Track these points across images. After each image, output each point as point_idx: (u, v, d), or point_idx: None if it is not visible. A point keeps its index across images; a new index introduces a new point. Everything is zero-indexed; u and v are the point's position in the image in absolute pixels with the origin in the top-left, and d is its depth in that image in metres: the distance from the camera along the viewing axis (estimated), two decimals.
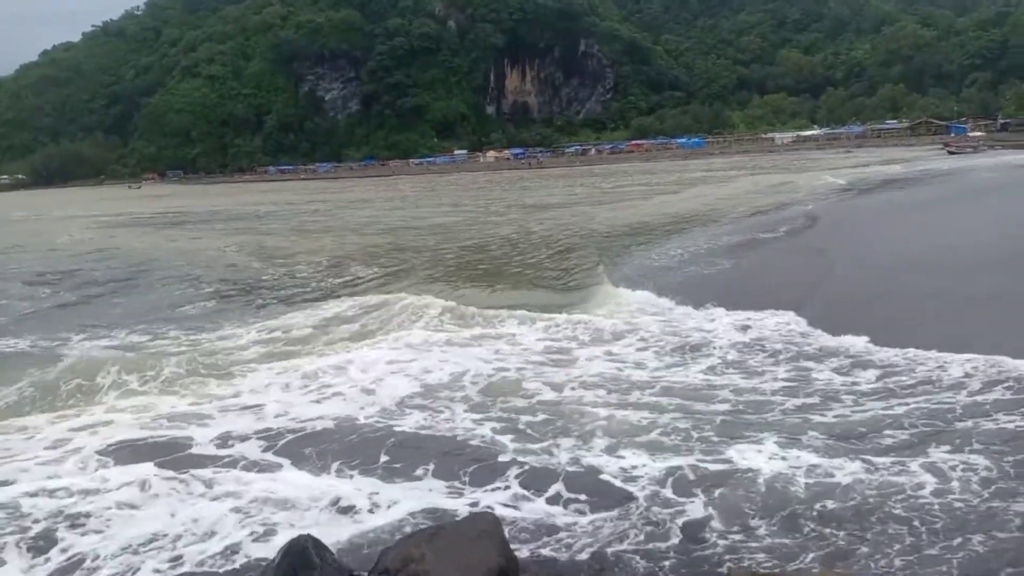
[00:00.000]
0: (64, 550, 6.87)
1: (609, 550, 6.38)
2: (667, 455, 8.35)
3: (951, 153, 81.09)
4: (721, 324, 14.05)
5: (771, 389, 10.36)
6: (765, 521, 6.70)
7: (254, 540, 6.87)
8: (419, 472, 8.26)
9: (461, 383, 11.35)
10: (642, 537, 6.61)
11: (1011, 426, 8.43)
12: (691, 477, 7.75)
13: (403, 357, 12.82)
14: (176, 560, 6.62)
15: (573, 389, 10.75)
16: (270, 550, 6.28)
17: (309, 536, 5.86)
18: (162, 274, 25.61)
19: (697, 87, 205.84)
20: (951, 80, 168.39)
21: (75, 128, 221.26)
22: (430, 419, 9.90)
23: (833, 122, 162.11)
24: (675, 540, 6.51)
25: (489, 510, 6.48)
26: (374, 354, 13.06)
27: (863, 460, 7.91)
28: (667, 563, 6.12)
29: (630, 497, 7.41)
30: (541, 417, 9.77)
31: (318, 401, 10.88)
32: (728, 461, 8.08)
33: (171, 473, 8.36)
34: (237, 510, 7.48)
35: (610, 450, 8.58)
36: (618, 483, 7.75)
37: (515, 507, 7.33)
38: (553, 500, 7.44)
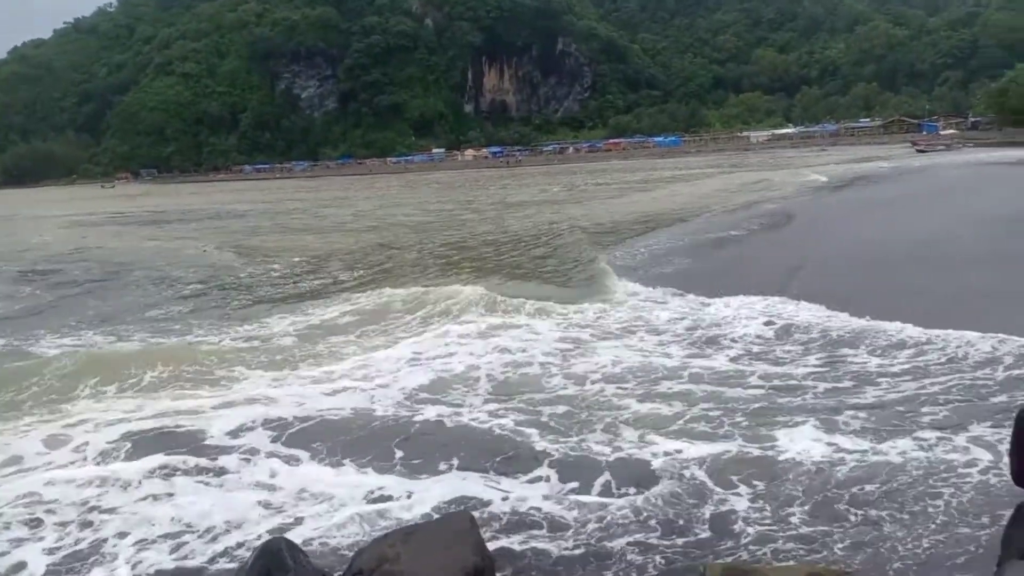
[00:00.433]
0: (83, 541, 6.87)
1: (615, 542, 6.33)
2: (700, 441, 8.40)
3: (920, 152, 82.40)
4: (733, 312, 14.21)
5: (801, 374, 10.50)
6: (799, 507, 6.72)
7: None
8: (448, 464, 8.22)
9: (478, 375, 11.32)
10: (656, 526, 6.60)
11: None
12: (725, 462, 7.81)
13: (427, 350, 12.79)
14: (194, 553, 6.59)
15: (595, 381, 10.72)
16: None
17: (283, 538, 5.80)
18: (141, 274, 25.07)
19: (674, 86, 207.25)
20: (923, 79, 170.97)
21: (46, 127, 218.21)
22: (451, 411, 9.87)
23: (808, 120, 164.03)
24: (699, 530, 6.46)
25: (466, 511, 6.36)
26: (397, 351, 12.91)
27: (913, 439, 8.02)
28: (673, 553, 6.08)
29: (655, 483, 7.44)
30: (567, 408, 9.72)
31: (338, 393, 10.78)
32: (765, 445, 8.15)
33: (193, 463, 8.36)
34: (266, 504, 7.46)
35: (641, 438, 8.59)
36: (649, 470, 7.77)
37: (527, 497, 7.31)
38: (580, 489, 7.43)
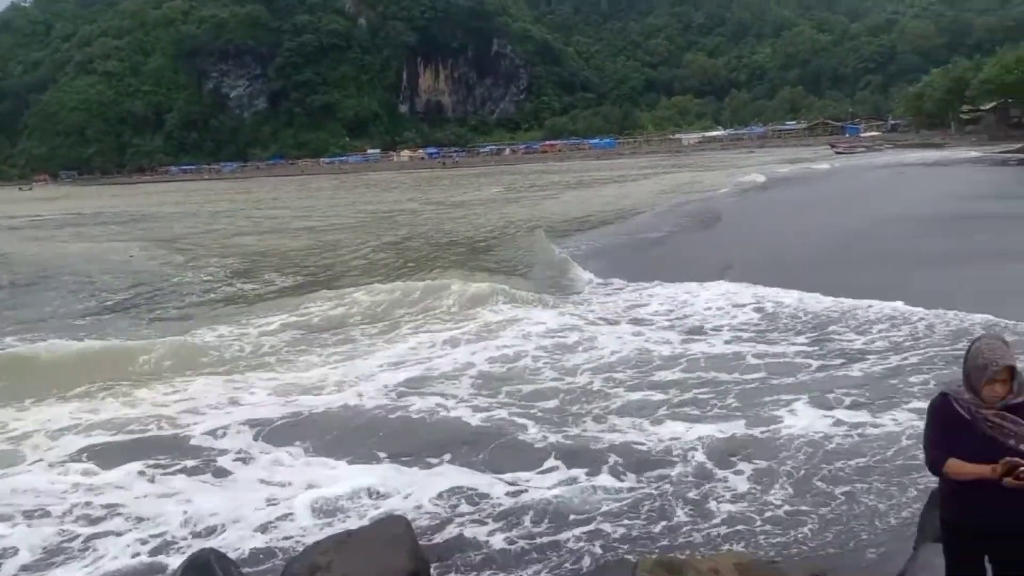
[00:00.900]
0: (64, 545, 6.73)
1: (562, 534, 6.36)
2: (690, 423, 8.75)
3: (838, 153, 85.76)
4: (704, 298, 15.22)
5: (794, 351, 11.29)
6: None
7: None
8: (446, 458, 8.22)
9: (468, 372, 11.33)
10: (625, 513, 6.68)
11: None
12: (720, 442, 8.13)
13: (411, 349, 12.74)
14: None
15: (584, 372, 10.99)
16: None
17: (212, 549, 5.63)
18: (63, 281, 23.82)
19: (608, 88, 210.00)
20: (846, 83, 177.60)
21: None
22: (441, 407, 9.85)
23: (737, 123, 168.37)
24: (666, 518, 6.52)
25: (400, 515, 6.28)
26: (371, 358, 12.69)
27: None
28: (632, 545, 6.10)
29: (653, 466, 7.63)
30: (562, 399, 9.90)
31: (326, 393, 10.63)
32: (762, 423, 8.55)
33: (180, 466, 8.19)
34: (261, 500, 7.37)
35: (634, 424, 8.83)
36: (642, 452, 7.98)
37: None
38: (563, 481, 7.49)
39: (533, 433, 8.78)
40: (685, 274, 17.32)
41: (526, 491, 7.23)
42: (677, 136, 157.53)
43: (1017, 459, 3.32)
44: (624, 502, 6.83)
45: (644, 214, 33.74)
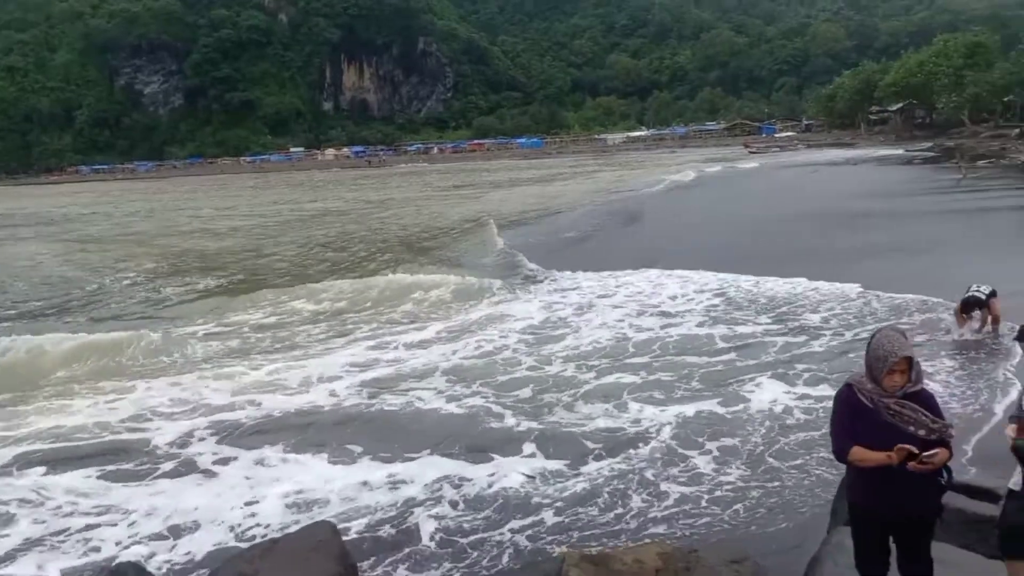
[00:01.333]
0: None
1: (492, 532, 6.40)
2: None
3: (752, 153, 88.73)
4: (654, 282, 16.69)
5: (762, 331, 12.31)
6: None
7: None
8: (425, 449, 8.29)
9: (440, 366, 11.47)
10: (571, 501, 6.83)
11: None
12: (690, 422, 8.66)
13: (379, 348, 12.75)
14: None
15: (556, 360, 11.44)
16: None
17: (131, 563, 5.58)
18: None
19: (534, 88, 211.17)
20: (762, 84, 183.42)
21: None
22: (413, 402, 9.93)
23: (659, 123, 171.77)
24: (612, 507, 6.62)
25: (327, 520, 6.21)
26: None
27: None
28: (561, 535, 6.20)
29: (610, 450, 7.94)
30: (533, 388, 10.20)
31: (296, 394, 10.53)
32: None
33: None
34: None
35: (604, 410, 9.19)
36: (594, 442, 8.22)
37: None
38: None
39: (505, 422, 8.97)
40: (634, 263, 18.68)
41: (479, 483, 7.31)
42: (603, 136, 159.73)
43: (909, 446, 3.53)
44: (580, 490, 7.01)
45: (582, 210, 35.47)
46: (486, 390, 10.15)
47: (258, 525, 6.78)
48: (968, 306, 11.06)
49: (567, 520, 6.52)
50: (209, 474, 7.97)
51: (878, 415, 3.71)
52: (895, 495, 3.70)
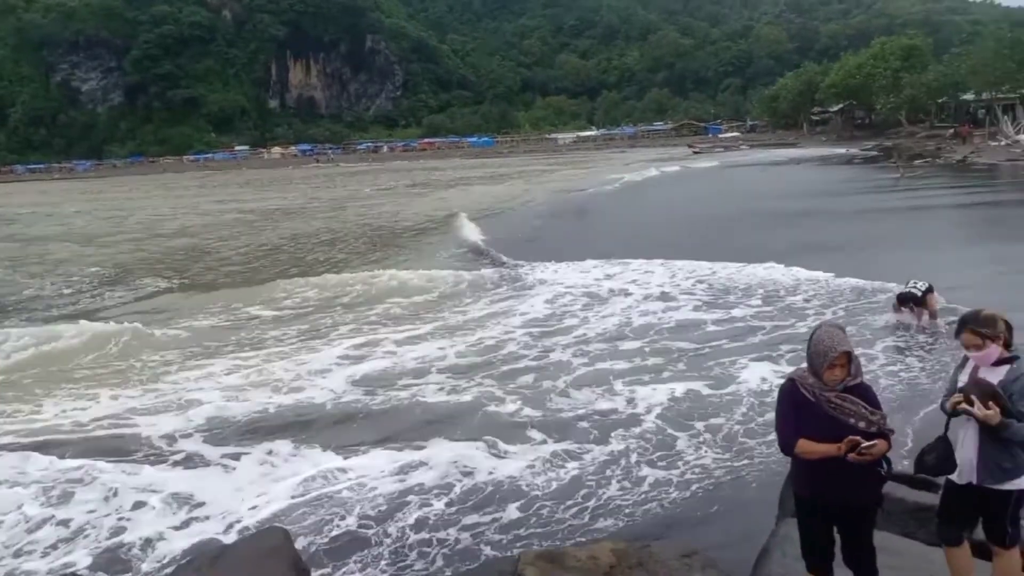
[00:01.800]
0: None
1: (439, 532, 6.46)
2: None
3: (696, 153, 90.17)
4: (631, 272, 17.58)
5: (750, 314, 13.22)
6: None
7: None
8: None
9: (439, 363, 11.52)
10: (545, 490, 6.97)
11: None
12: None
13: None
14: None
15: (557, 347, 11.88)
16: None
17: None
18: None
19: (484, 87, 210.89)
20: (708, 85, 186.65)
21: None
22: (408, 396, 9.99)
23: (609, 123, 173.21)
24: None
25: (278, 525, 6.13)
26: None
27: None
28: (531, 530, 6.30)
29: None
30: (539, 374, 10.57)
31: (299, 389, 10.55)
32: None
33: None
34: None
35: (599, 392, 9.58)
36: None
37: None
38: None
39: (499, 408, 9.16)
40: (607, 253, 19.73)
41: (454, 475, 7.41)
42: (553, 136, 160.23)
43: (857, 437, 3.65)
44: (562, 480, 7.21)
45: (547, 206, 37.33)
46: (489, 382, 10.33)
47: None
48: (904, 300, 11.53)
49: (530, 515, 6.63)
50: (219, 468, 8.01)
51: (820, 408, 3.82)
52: (838, 486, 3.81)
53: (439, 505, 6.84)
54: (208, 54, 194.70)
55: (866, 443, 3.63)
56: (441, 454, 7.78)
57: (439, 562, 5.97)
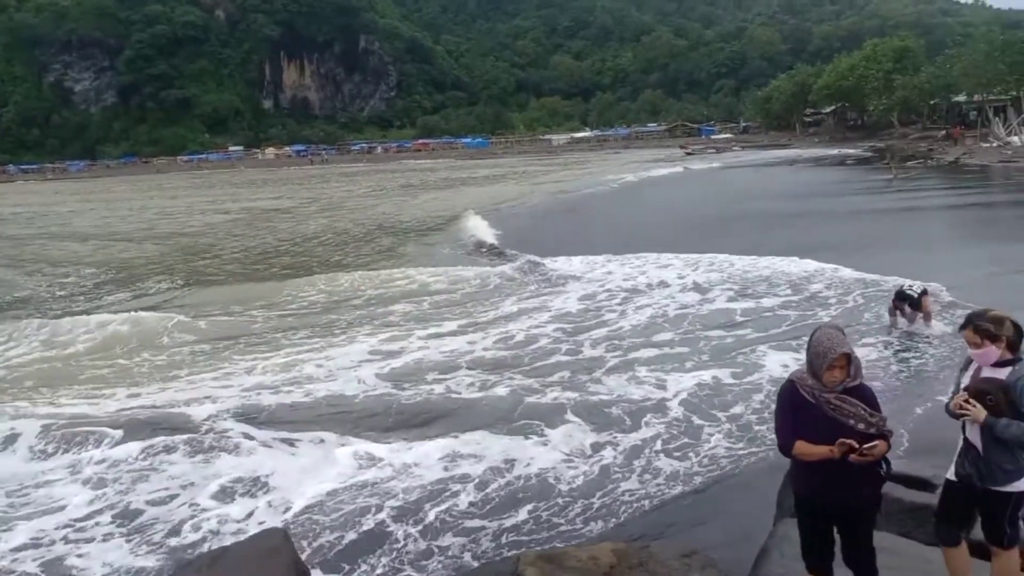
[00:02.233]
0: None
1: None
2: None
3: (688, 155, 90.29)
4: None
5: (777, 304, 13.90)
6: None
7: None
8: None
9: (465, 357, 11.78)
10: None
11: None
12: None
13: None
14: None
15: (587, 342, 12.20)
16: None
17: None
18: None
19: (478, 88, 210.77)
20: (701, 87, 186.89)
21: None
22: (437, 391, 10.24)
23: (602, 124, 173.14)
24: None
25: (278, 526, 6.12)
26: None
27: None
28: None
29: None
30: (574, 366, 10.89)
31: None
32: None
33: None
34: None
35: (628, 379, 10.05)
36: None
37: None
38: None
39: (545, 397, 9.40)
40: (631, 248, 20.45)
41: (493, 466, 7.55)
42: (547, 136, 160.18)
43: (851, 441, 3.68)
44: (583, 471, 7.39)
45: (547, 203, 38.29)
46: (520, 378, 10.51)
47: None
48: (900, 301, 11.60)
49: (561, 508, 6.77)
50: (275, 453, 8.27)
51: (820, 410, 3.83)
52: (838, 486, 3.83)
53: (467, 499, 6.98)
54: (202, 54, 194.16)
55: (867, 444, 3.66)
56: (488, 446, 7.99)
57: (442, 561, 6.01)
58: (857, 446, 3.66)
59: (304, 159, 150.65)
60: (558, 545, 5.86)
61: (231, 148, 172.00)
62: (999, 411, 3.88)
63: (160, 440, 8.48)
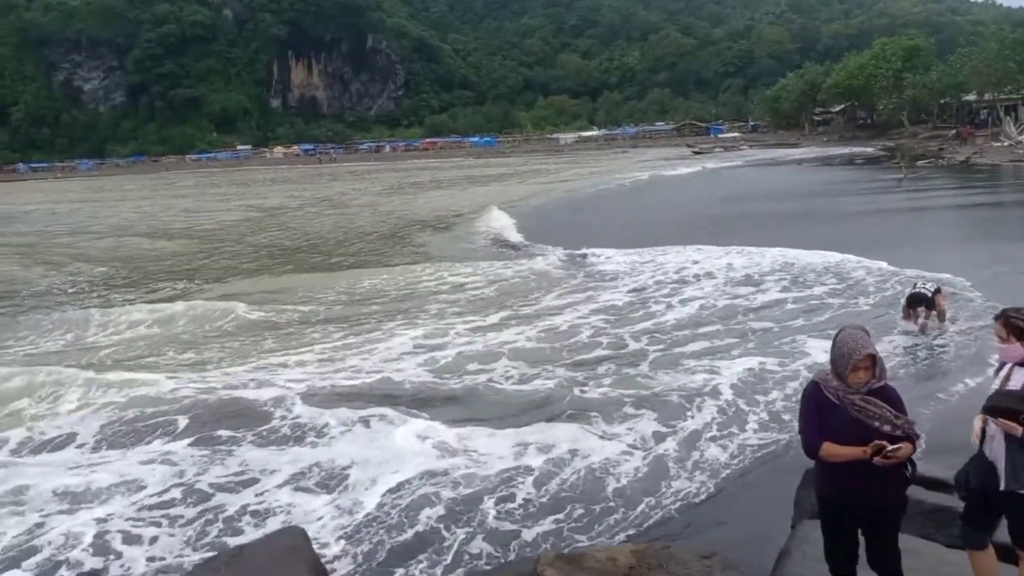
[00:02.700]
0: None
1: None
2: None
3: (696, 154, 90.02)
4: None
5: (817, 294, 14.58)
6: None
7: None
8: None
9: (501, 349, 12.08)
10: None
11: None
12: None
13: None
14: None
15: (631, 333, 12.56)
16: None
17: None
18: None
19: (486, 87, 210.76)
20: (709, 86, 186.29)
21: None
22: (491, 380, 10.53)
23: (610, 123, 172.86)
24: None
25: (296, 526, 6.12)
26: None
27: None
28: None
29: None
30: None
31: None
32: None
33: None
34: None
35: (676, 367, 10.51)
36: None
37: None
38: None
39: (589, 392, 9.59)
40: (661, 241, 21.23)
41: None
42: (555, 136, 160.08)
43: (883, 442, 3.66)
44: (641, 461, 7.53)
45: (565, 199, 39.20)
46: (562, 370, 10.72)
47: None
48: (914, 301, 11.48)
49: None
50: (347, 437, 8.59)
51: (844, 411, 3.81)
52: (863, 488, 3.81)
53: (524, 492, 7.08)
54: (210, 54, 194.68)
55: (891, 446, 3.64)
56: (553, 435, 8.14)
57: (463, 559, 6.03)
58: (889, 446, 3.64)
59: (312, 158, 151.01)
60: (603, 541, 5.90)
61: (239, 147, 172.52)
62: None
63: (230, 425, 8.86)
